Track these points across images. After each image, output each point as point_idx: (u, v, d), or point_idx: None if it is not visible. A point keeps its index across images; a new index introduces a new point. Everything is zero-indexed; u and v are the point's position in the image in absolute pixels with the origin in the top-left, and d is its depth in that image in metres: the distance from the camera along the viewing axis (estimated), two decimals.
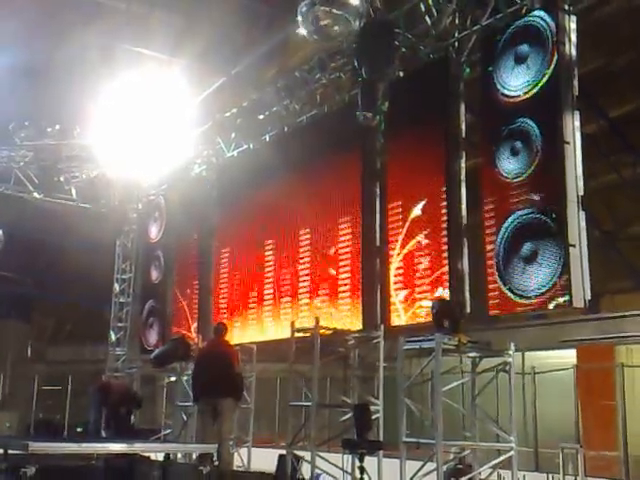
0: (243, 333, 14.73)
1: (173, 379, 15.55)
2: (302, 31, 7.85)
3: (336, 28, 7.64)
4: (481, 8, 10.83)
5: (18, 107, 15.51)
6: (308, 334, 11.84)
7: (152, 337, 17.80)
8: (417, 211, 11.31)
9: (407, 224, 11.44)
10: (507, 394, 10.03)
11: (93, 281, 22.48)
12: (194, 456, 12.43)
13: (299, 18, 7.74)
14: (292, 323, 12.10)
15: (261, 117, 14.77)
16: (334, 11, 7.45)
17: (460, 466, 10.82)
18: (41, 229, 20.49)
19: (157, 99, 14.46)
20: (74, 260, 22.69)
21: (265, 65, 15.50)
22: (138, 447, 11.09)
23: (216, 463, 10.44)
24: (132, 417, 14.90)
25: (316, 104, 13.67)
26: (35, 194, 18.58)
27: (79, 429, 18.58)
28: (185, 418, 13.57)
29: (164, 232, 17.96)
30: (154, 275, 18.12)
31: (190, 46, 14.93)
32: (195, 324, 16.36)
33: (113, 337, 19.33)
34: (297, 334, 11.90)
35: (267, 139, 14.77)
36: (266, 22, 15.53)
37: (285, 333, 13.32)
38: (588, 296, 9.18)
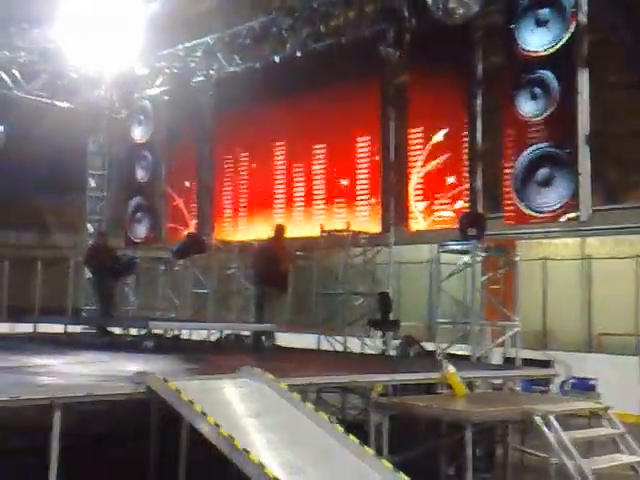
0: (249, 229, 16.89)
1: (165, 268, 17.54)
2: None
3: (460, 11, 9.68)
4: None
5: None
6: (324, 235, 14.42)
7: (140, 231, 19.47)
8: (439, 137, 13.78)
9: (428, 147, 13.90)
10: None
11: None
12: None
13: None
14: (321, 225, 14.47)
15: (270, 39, 16.21)
16: None
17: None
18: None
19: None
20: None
21: None
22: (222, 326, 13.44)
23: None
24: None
25: (333, 34, 15.22)
26: (15, 91, 19.28)
27: None
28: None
29: (153, 134, 19.34)
30: (140, 174, 19.54)
31: None
32: (194, 221, 18.22)
33: (91, 229, 20.70)
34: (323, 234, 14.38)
35: (276, 60, 16.17)
36: None
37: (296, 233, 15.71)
38: (590, 212, 12.11)
